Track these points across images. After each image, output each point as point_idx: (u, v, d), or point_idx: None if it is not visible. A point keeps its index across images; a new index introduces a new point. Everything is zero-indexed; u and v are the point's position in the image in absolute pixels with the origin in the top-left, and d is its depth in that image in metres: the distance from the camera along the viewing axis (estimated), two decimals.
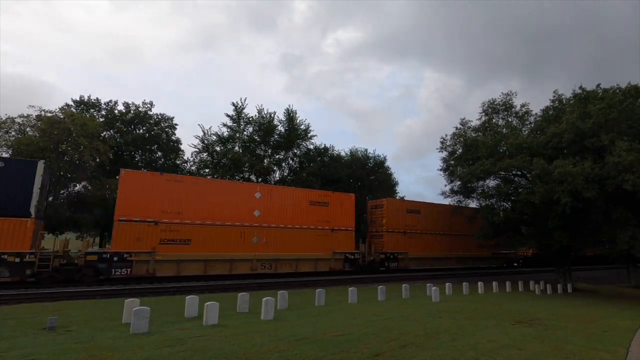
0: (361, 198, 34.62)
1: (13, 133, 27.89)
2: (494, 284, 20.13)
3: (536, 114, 26.30)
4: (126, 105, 35.40)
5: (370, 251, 27.16)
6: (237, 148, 34.92)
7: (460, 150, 26.60)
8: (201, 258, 20.17)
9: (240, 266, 21.37)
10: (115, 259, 18.11)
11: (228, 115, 35.59)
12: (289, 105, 35.70)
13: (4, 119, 27.73)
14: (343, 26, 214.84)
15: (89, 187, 29.80)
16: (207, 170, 34.66)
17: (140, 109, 35.68)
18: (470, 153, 24.85)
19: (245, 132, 35.98)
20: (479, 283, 19.47)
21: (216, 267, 20.62)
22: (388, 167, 43.81)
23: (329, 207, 25.30)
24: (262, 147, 36.20)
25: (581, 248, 23.83)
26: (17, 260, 15.74)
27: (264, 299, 10.49)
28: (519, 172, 23.47)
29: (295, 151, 37.67)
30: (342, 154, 41.36)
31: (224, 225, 21.16)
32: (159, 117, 36.60)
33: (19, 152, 25.24)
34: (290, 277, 22.78)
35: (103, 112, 34.37)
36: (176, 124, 37.47)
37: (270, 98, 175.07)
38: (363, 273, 25.88)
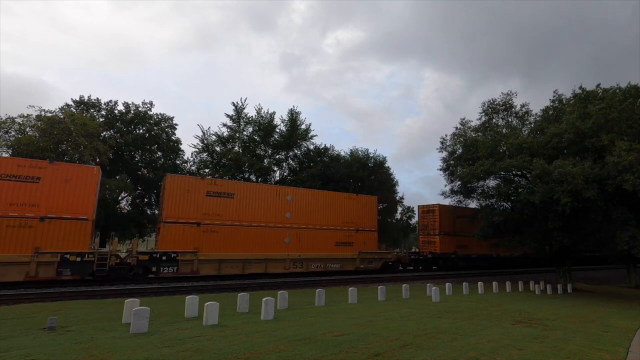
0: None
1: (13, 133, 27.91)
2: (494, 284, 20.23)
3: (536, 114, 26.37)
4: (126, 105, 35.50)
5: (131, 251, 20.00)
6: (237, 148, 34.90)
7: (460, 150, 26.64)
8: None
9: None
10: None
11: (228, 115, 35.62)
12: (293, 106, 35.71)
13: (4, 119, 27.78)
14: (343, 26, 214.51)
15: None
16: (207, 170, 34.68)
17: (140, 109, 35.76)
18: (470, 153, 24.88)
19: (245, 132, 35.99)
20: (479, 283, 19.59)
21: None
22: (388, 167, 43.88)
23: (40, 184, 17.14)
24: (262, 147, 36.20)
25: (580, 247, 23.68)
26: None
27: (264, 299, 10.49)
28: (519, 172, 23.48)
29: (296, 151, 37.67)
30: (342, 153, 41.39)
31: None
32: (159, 117, 36.67)
33: (19, 152, 25.24)
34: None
35: (103, 112, 34.44)
36: (176, 124, 37.62)
37: (270, 98, 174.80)
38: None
